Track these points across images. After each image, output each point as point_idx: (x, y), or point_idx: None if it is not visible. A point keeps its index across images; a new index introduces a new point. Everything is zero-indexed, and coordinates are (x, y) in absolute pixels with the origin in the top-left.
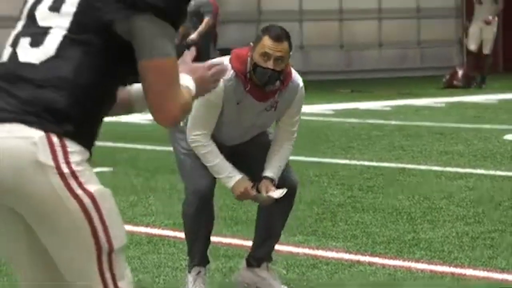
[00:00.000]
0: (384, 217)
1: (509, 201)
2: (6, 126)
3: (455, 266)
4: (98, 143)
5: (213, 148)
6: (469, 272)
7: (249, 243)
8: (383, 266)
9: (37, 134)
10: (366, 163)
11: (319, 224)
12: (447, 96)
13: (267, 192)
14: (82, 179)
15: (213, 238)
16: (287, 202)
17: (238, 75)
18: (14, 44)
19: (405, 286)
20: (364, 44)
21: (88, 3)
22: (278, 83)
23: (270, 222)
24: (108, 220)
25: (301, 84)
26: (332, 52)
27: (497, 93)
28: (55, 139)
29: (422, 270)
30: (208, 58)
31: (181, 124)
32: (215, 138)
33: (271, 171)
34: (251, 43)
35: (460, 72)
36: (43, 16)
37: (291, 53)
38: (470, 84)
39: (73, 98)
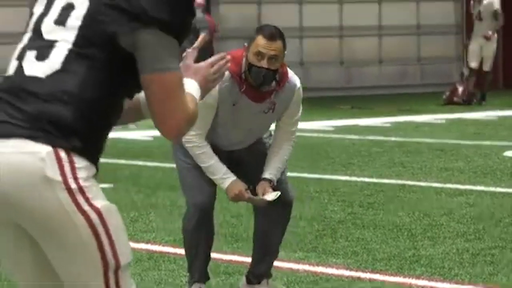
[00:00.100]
0: (384, 234)
1: (510, 218)
2: (11, 141)
3: (456, 282)
4: None
5: (207, 149)
6: None
7: (250, 260)
8: (384, 282)
9: (44, 150)
10: (367, 179)
11: (320, 240)
12: (447, 113)
13: (263, 194)
14: (89, 195)
15: (213, 255)
16: (283, 217)
17: (233, 76)
18: (20, 58)
19: None
20: (364, 60)
21: (93, 17)
22: (274, 83)
23: (267, 238)
24: (115, 236)
25: (298, 84)
26: (332, 68)
27: (497, 109)
28: (62, 154)
29: (422, 287)
30: None
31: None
32: (212, 141)
33: (269, 172)
34: (245, 44)
35: (460, 89)
36: (48, 29)
37: (285, 52)
38: (471, 101)
39: (79, 113)
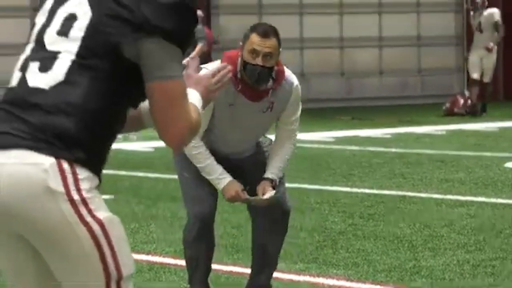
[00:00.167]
0: (385, 245)
1: (510, 229)
2: (14, 152)
3: None
4: None
5: (204, 149)
6: None
7: (250, 271)
8: None
9: (47, 161)
10: (367, 190)
11: (320, 251)
12: (448, 124)
13: (263, 193)
14: (92, 206)
15: (214, 266)
16: (281, 227)
17: None
18: (23, 69)
19: None
20: (365, 71)
21: (96, 28)
22: (271, 82)
23: (266, 249)
24: (117, 247)
25: (296, 82)
26: (332, 79)
27: (497, 121)
28: (65, 165)
29: None
30: None
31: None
32: (211, 146)
33: (271, 171)
34: (240, 43)
35: (461, 100)
36: (51, 40)
37: (280, 49)
38: (476, 111)
39: (82, 124)
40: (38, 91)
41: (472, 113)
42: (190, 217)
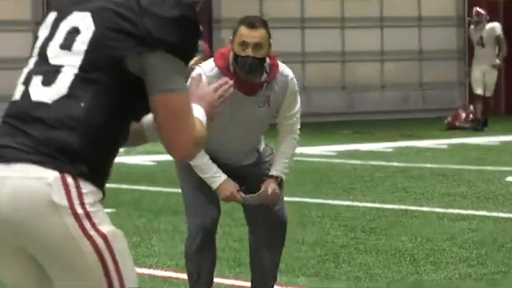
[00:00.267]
0: (387, 259)
1: None
2: (18, 166)
3: None
4: None
5: None
6: None
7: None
8: None
9: (51, 175)
10: (369, 204)
11: (322, 265)
12: (450, 138)
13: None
14: (95, 220)
15: (215, 279)
16: (278, 239)
17: (222, 72)
18: (26, 83)
19: None
20: (366, 86)
21: (98, 41)
22: (264, 75)
23: (263, 262)
24: (121, 261)
25: (291, 75)
26: (334, 93)
27: (499, 135)
28: (69, 179)
29: None
30: None
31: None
32: (211, 151)
33: (275, 169)
34: (230, 37)
35: (462, 114)
36: (54, 54)
37: (271, 40)
38: (483, 127)
39: (85, 138)
40: (41, 105)
41: (474, 128)
42: (191, 229)
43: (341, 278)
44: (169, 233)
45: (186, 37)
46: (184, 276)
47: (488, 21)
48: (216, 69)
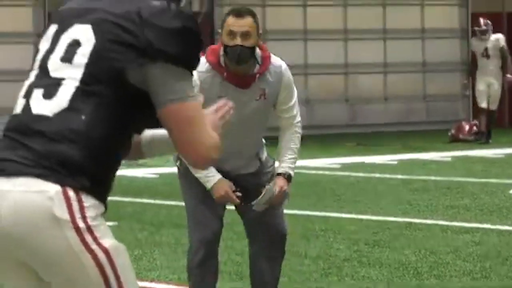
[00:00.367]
0: (390, 272)
1: None
2: (19, 180)
3: None
4: None
5: None
6: None
7: None
8: None
9: (53, 189)
10: (372, 217)
11: (325, 279)
12: (454, 150)
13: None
14: (97, 234)
15: None
16: (278, 252)
17: (214, 67)
18: (27, 96)
19: None
20: (369, 98)
21: (99, 54)
22: (257, 67)
23: (263, 274)
24: (123, 276)
25: (284, 66)
26: (337, 106)
27: (503, 147)
28: (71, 193)
29: None
30: None
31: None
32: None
33: (281, 166)
34: (219, 30)
35: (466, 127)
36: (55, 67)
37: (261, 31)
38: (484, 138)
39: (87, 151)
40: (42, 118)
41: (478, 141)
42: (193, 242)
43: None
44: (171, 246)
45: (188, 47)
46: None
47: (492, 33)
48: (207, 64)
